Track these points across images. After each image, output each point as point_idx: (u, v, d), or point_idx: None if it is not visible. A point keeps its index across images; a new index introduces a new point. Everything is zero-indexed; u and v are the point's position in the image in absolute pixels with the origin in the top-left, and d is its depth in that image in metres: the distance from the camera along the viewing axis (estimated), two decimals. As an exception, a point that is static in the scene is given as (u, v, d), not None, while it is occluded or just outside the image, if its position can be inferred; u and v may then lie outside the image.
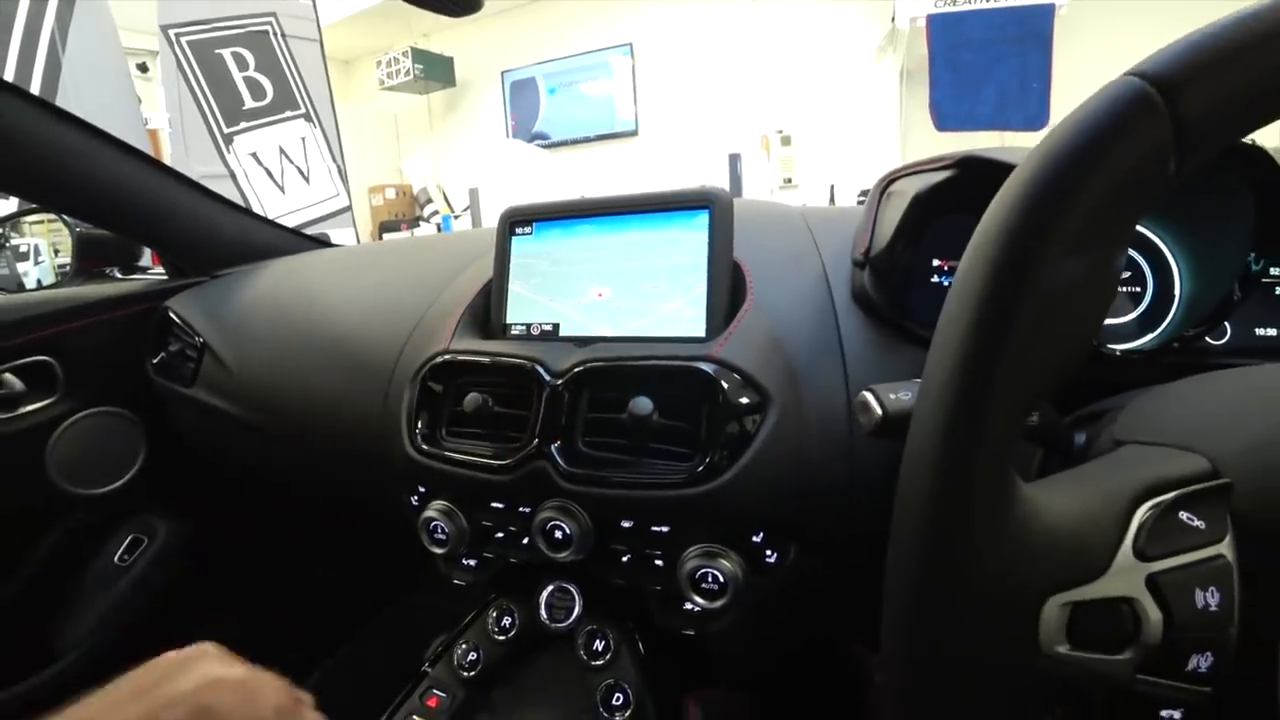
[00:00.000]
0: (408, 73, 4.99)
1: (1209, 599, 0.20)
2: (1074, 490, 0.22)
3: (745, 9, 4.21)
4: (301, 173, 3.55)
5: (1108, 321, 0.53)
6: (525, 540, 0.53)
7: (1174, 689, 0.21)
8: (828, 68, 4.06)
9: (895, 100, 3.74)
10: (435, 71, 5.14)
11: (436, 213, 5.00)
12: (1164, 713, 0.21)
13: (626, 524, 0.49)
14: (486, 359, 0.55)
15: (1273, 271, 0.53)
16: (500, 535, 0.55)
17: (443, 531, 0.55)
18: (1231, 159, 0.44)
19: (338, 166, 3.73)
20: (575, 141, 4.95)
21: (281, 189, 3.42)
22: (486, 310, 0.62)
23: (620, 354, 0.50)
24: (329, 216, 3.61)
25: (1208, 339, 0.52)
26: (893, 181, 0.54)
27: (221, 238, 1.04)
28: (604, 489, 0.48)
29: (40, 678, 0.86)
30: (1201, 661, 0.20)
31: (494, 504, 0.54)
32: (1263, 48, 0.19)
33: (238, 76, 3.32)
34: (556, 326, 0.57)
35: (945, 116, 3.50)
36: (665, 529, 0.48)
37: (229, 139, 3.27)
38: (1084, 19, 3.43)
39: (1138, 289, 0.53)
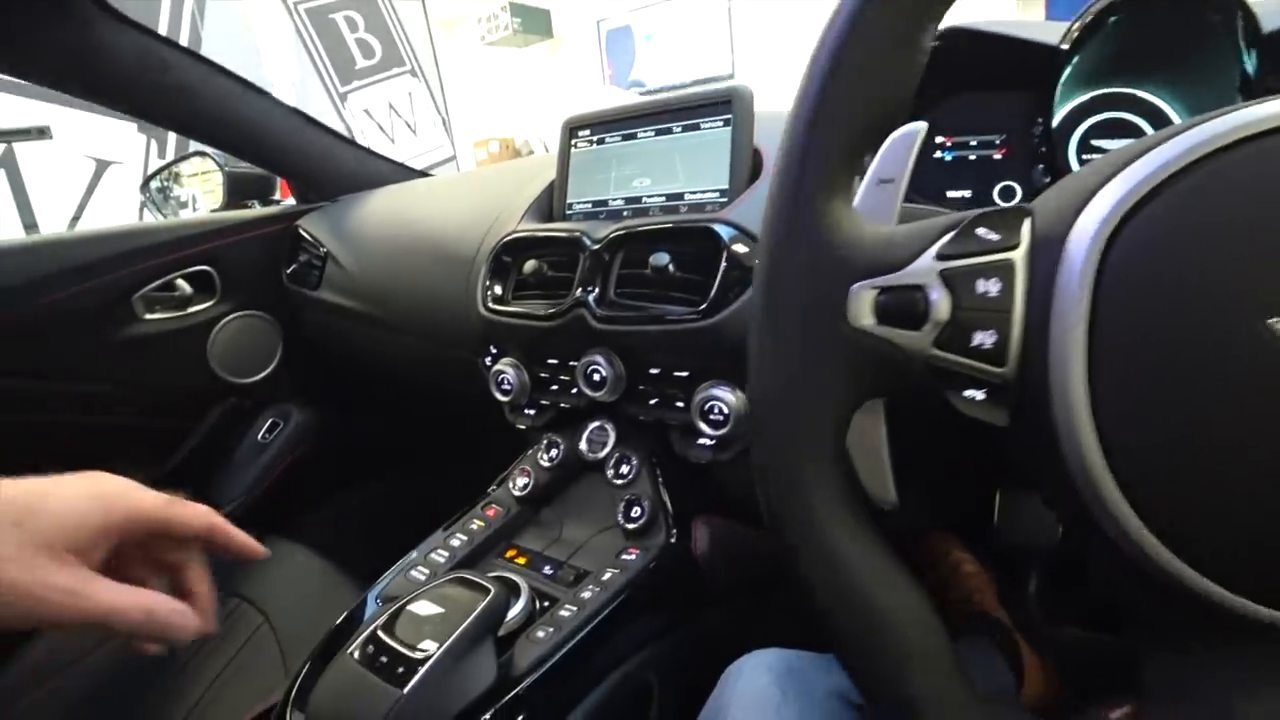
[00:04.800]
0: (506, 27, 5.14)
1: (989, 287, 0.25)
2: (920, 221, 0.28)
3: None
4: (409, 126, 3.79)
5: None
6: (574, 389, 0.64)
7: (963, 364, 0.26)
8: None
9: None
10: (533, 24, 5.27)
11: (536, 164, 5.18)
12: (967, 393, 0.26)
13: (654, 370, 0.59)
14: (544, 233, 0.66)
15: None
16: (554, 386, 0.67)
17: (509, 383, 0.67)
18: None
19: (442, 119, 3.95)
20: (672, 88, 4.96)
21: (392, 140, 3.67)
22: (549, 203, 0.72)
23: (650, 222, 0.59)
24: (435, 166, 3.86)
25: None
26: None
27: (342, 169, 1.21)
28: (629, 326, 0.58)
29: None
30: (986, 339, 0.25)
31: (549, 359, 0.65)
32: None
33: (349, 38, 3.57)
34: (605, 206, 0.67)
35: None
36: (685, 373, 0.58)
37: (344, 97, 3.54)
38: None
39: None
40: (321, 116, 3.41)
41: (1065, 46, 0.53)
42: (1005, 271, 0.26)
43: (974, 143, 0.58)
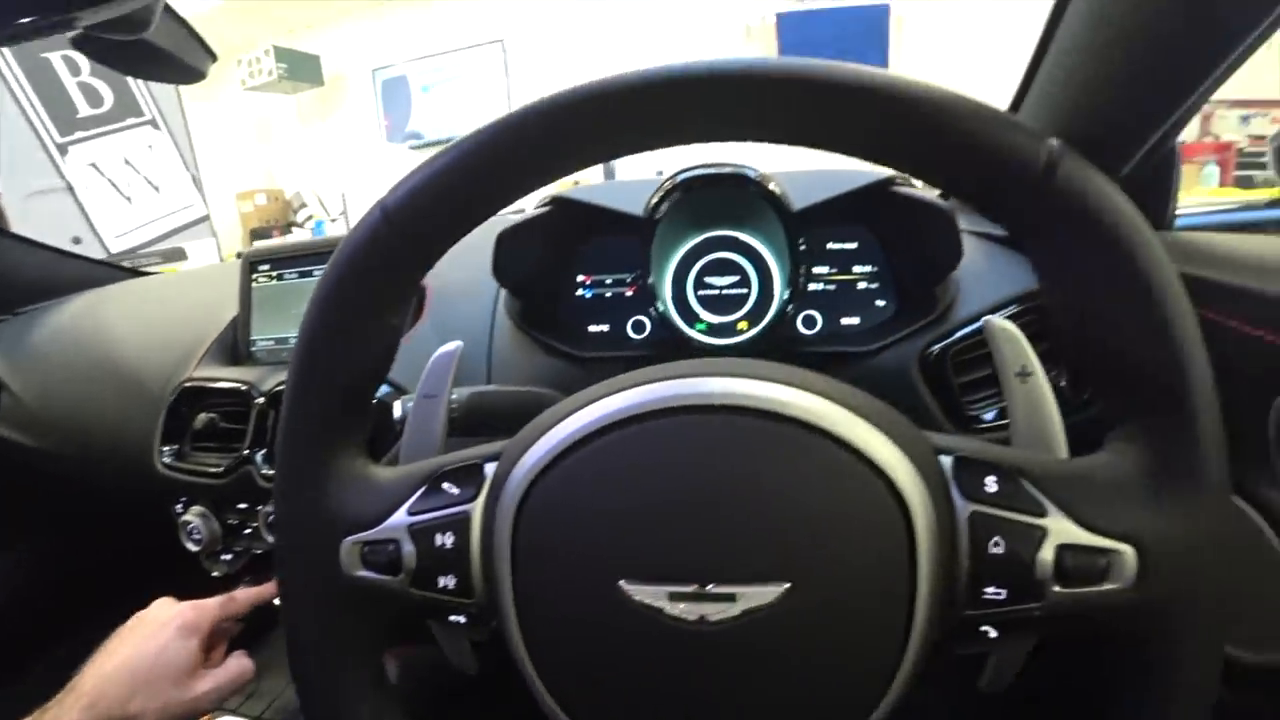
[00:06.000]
0: (271, 72, 4.80)
1: (445, 540, 0.30)
2: (403, 470, 0.33)
3: (612, 6, 4.30)
4: (150, 182, 3.41)
5: (723, 319, 0.67)
6: (264, 535, 0.64)
7: (438, 600, 0.31)
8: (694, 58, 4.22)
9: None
10: (301, 71, 4.98)
11: (310, 218, 4.89)
12: (451, 618, 0.31)
13: None
14: (215, 384, 0.66)
15: (857, 269, 0.68)
16: (246, 531, 0.66)
17: (198, 533, 0.66)
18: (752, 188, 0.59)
19: (191, 175, 3.60)
20: (449, 140, 4.91)
21: (128, 199, 3.28)
22: (234, 335, 0.72)
23: None
24: (185, 227, 3.50)
25: (801, 328, 0.67)
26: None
27: (21, 277, 1.07)
28: None
29: None
30: (448, 581, 0.30)
31: (237, 504, 0.65)
32: (444, 180, 0.30)
33: (70, 83, 3.15)
34: (287, 344, 0.69)
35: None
36: None
37: (63, 149, 3.11)
38: (917, 20, 3.70)
39: (744, 290, 0.67)
40: (36, 172, 2.97)
41: (653, 204, 0.63)
42: (460, 525, 0.31)
43: (609, 281, 0.67)
